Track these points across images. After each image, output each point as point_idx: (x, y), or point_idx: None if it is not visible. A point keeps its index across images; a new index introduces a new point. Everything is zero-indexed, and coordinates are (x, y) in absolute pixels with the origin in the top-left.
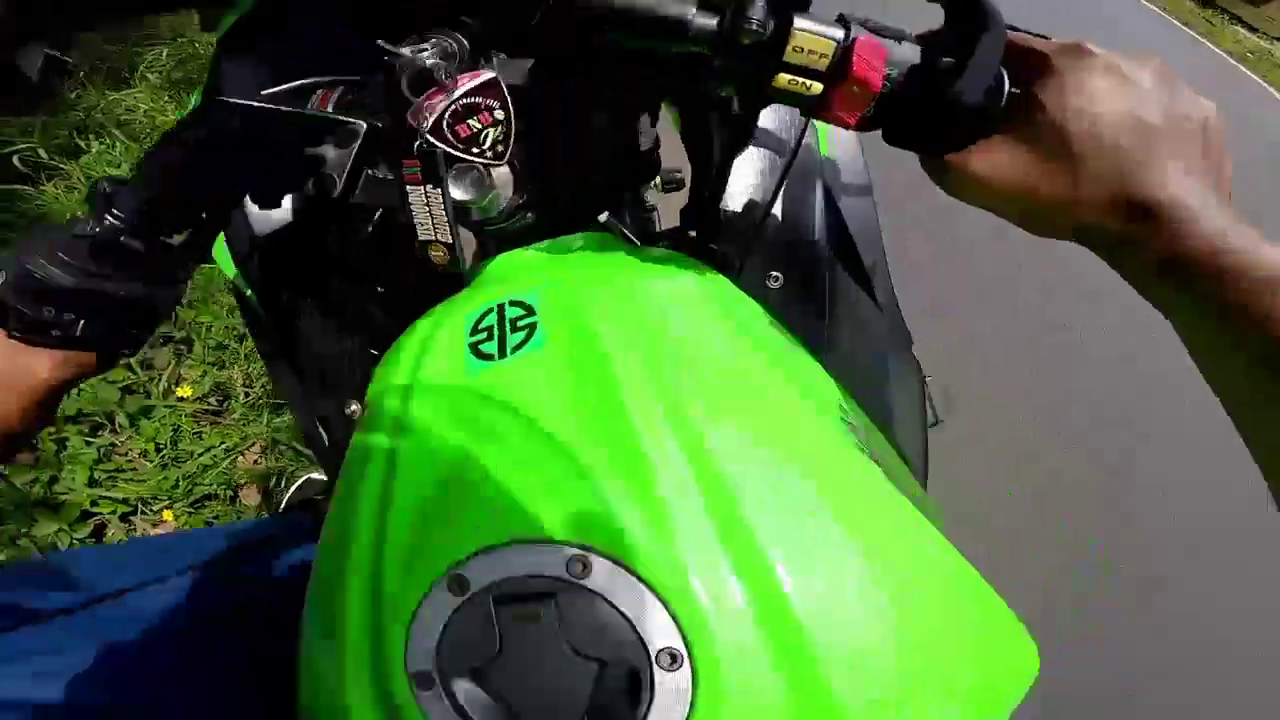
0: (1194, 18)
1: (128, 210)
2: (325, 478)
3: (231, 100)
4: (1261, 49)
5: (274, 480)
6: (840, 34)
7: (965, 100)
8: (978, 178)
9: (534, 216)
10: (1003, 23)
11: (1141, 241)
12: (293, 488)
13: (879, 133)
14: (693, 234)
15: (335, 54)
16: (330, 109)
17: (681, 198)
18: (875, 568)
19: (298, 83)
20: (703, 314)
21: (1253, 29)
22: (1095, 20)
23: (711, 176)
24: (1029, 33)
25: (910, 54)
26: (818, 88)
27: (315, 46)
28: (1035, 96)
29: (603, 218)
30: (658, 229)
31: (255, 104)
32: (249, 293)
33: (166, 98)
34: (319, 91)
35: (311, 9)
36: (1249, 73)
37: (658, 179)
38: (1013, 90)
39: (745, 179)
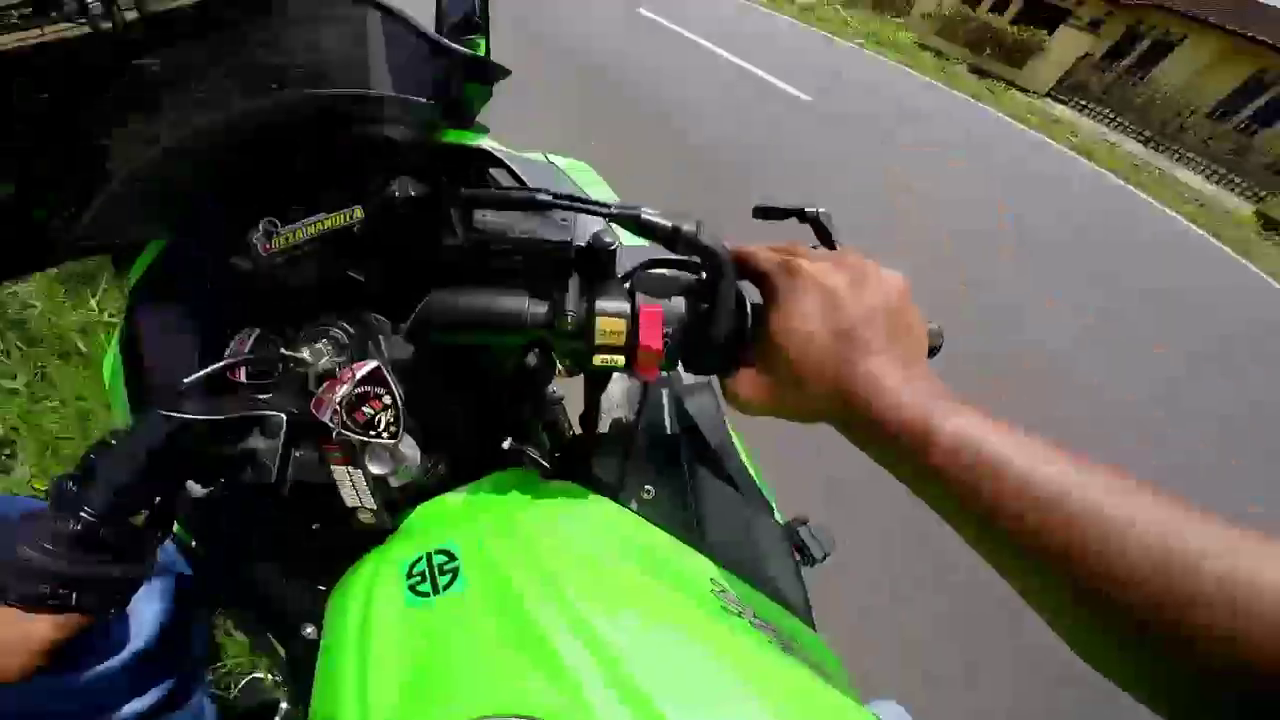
0: (979, 89)
1: (98, 506)
2: (263, 675)
3: (171, 415)
4: (1036, 107)
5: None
6: (626, 307)
7: (717, 338)
8: (745, 399)
9: (445, 466)
10: (733, 269)
11: (848, 420)
12: (242, 683)
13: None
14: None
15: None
16: (243, 378)
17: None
18: (752, 710)
19: (212, 367)
20: (591, 537)
21: (1024, 90)
22: (898, 109)
23: (586, 411)
24: (781, 209)
25: (678, 307)
26: (621, 360)
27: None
28: (765, 321)
29: (507, 444)
30: (566, 422)
31: (191, 417)
32: (193, 544)
33: (63, 293)
34: (236, 368)
35: (208, 286)
36: (1033, 131)
37: (551, 388)
38: (755, 304)
39: (614, 399)
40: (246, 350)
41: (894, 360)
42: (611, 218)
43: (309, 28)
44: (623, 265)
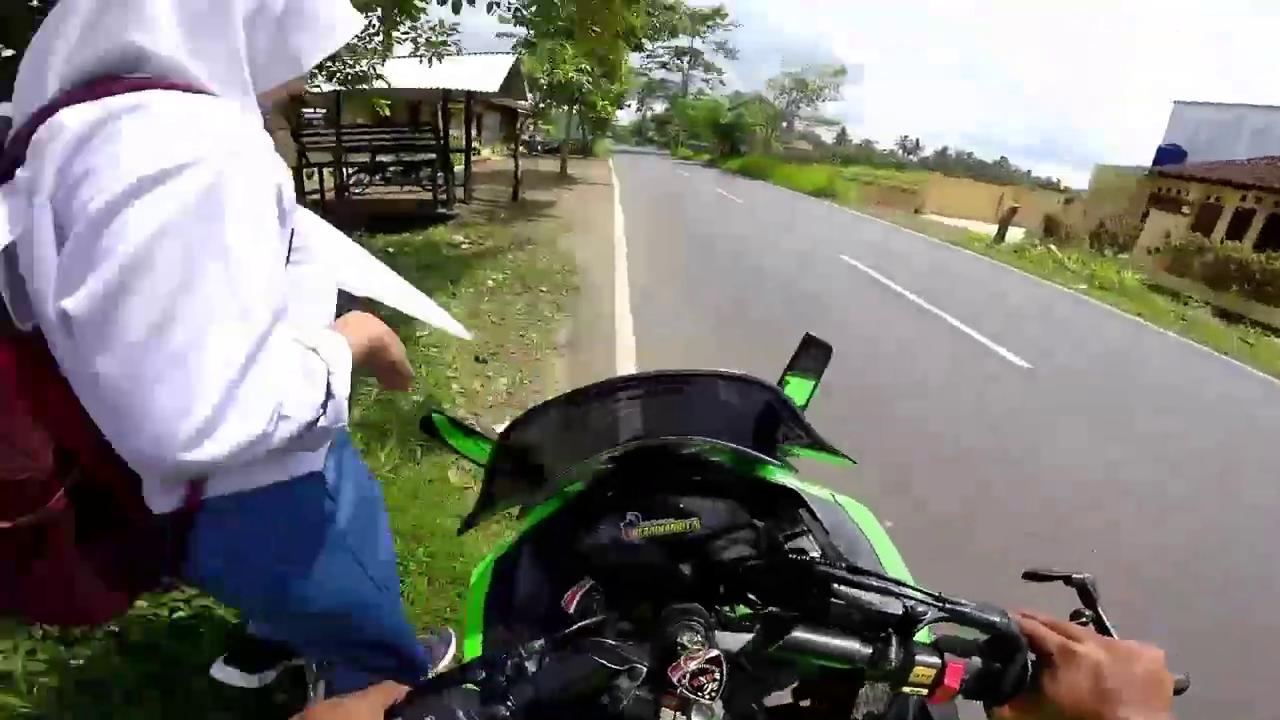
0: (1229, 338)
1: (520, 702)
2: None
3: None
4: None
5: None
6: (938, 661)
7: (1003, 691)
8: None
9: None
10: (1026, 647)
11: None
12: None
13: None
14: None
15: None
16: (574, 607)
17: None
18: None
19: (585, 622)
20: None
21: None
22: (1136, 377)
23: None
24: (1050, 575)
25: (976, 664)
26: (924, 692)
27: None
28: (1040, 679)
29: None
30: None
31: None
32: None
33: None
34: (573, 592)
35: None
36: None
37: None
38: (1033, 661)
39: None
40: (579, 597)
41: (1143, 711)
42: (943, 612)
43: (712, 402)
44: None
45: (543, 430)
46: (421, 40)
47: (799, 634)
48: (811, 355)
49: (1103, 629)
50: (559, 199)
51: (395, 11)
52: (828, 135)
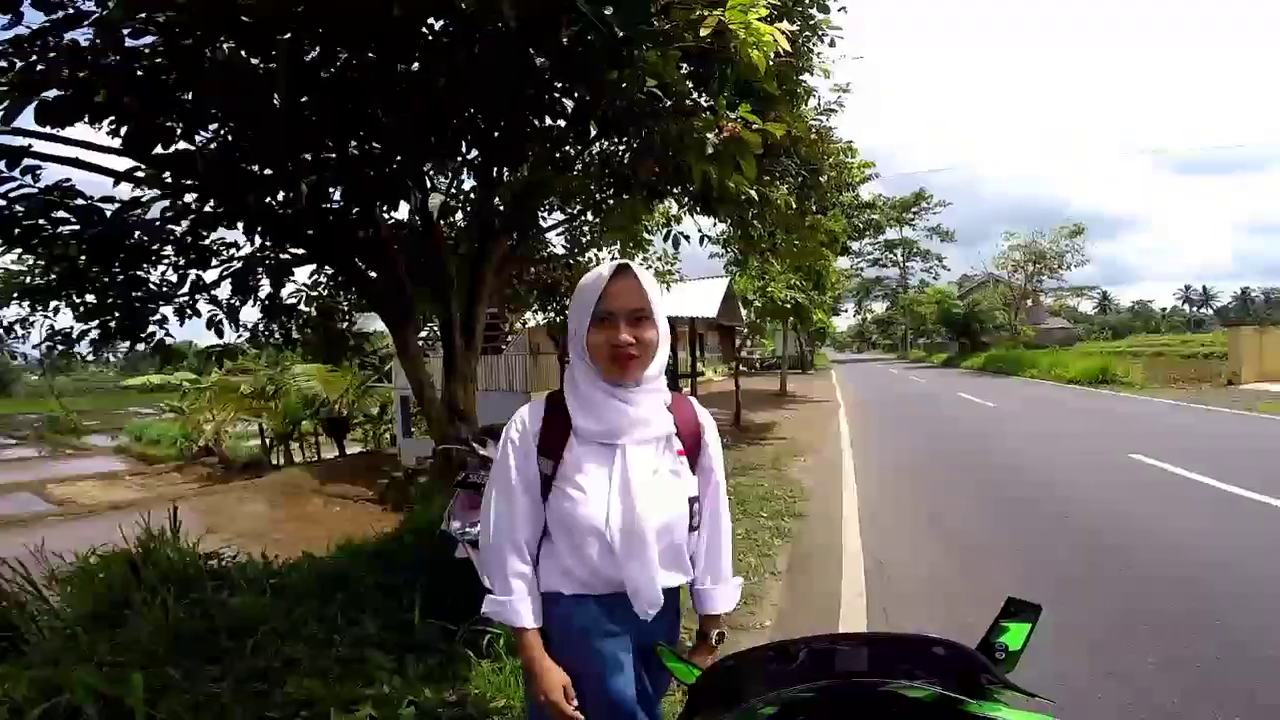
0: None
1: None
2: None
3: None
4: None
5: None
6: None
7: None
8: None
9: None
10: None
11: None
12: None
13: None
14: None
15: None
16: None
17: None
18: None
19: None
20: None
21: None
22: None
23: None
24: None
25: None
26: None
27: None
28: None
29: None
30: None
31: None
32: None
33: None
34: None
35: None
36: None
37: None
38: None
39: None
40: None
41: None
42: None
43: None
44: None
45: (744, 667)
46: (652, 271)
47: None
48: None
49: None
50: (780, 420)
51: (631, 245)
52: (1088, 305)
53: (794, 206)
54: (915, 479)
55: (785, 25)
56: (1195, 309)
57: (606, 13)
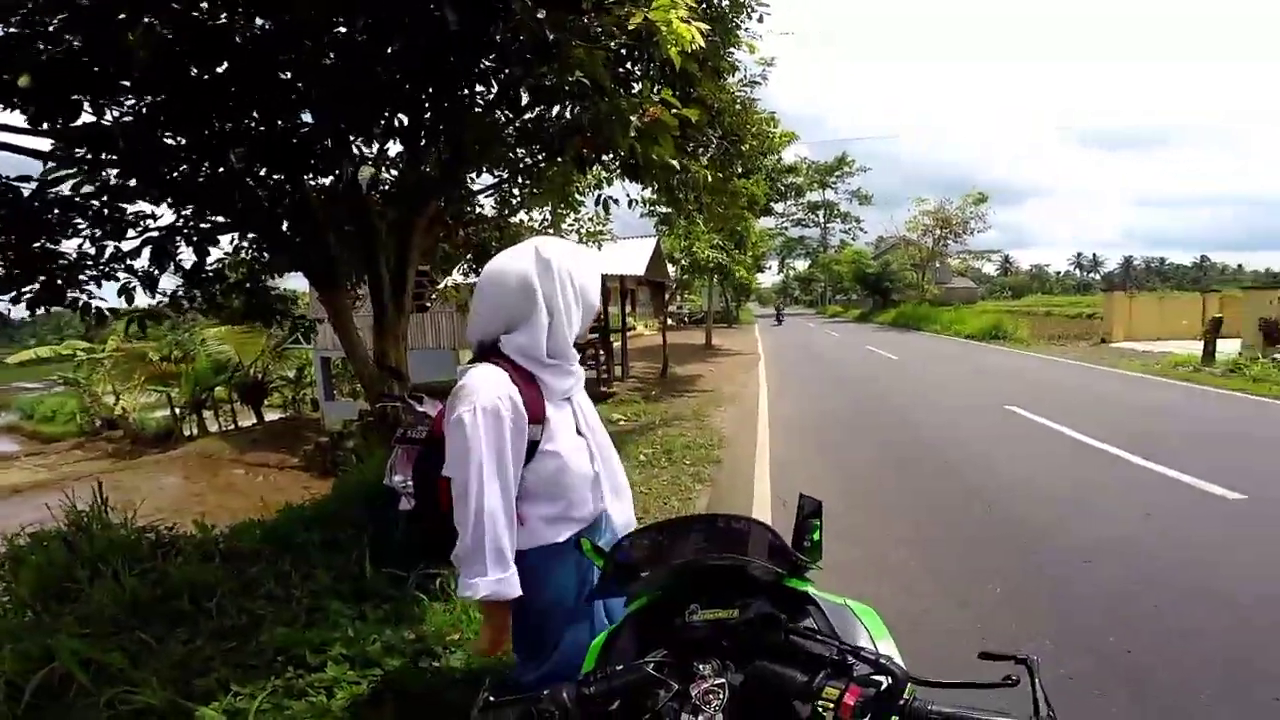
0: None
1: (600, 690)
2: None
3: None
4: None
5: None
6: (843, 685)
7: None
8: None
9: None
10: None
11: None
12: None
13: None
14: None
15: None
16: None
17: None
18: None
19: (647, 659)
20: None
21: None
22: None
23: None
24: (1001, 655)
25: (869, 692)
26: (831, 706)
27: None
28: None
29: None
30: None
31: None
32: None
33: None
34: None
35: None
36: None
37: None
38: None
39: None
40: (653, 662)
41: None
42: (857, 659)
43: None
44: None
45: (636, 549)
46: (583, 231)
47: (762, 662)
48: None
49: (1036, 703)
50: (704, 373)
51: (563, 206)
52: (990, 267)
53: (714, 177)
54: (820, 426)
55: (702, 25)
56: (1085, 274)
57: (540, 15)
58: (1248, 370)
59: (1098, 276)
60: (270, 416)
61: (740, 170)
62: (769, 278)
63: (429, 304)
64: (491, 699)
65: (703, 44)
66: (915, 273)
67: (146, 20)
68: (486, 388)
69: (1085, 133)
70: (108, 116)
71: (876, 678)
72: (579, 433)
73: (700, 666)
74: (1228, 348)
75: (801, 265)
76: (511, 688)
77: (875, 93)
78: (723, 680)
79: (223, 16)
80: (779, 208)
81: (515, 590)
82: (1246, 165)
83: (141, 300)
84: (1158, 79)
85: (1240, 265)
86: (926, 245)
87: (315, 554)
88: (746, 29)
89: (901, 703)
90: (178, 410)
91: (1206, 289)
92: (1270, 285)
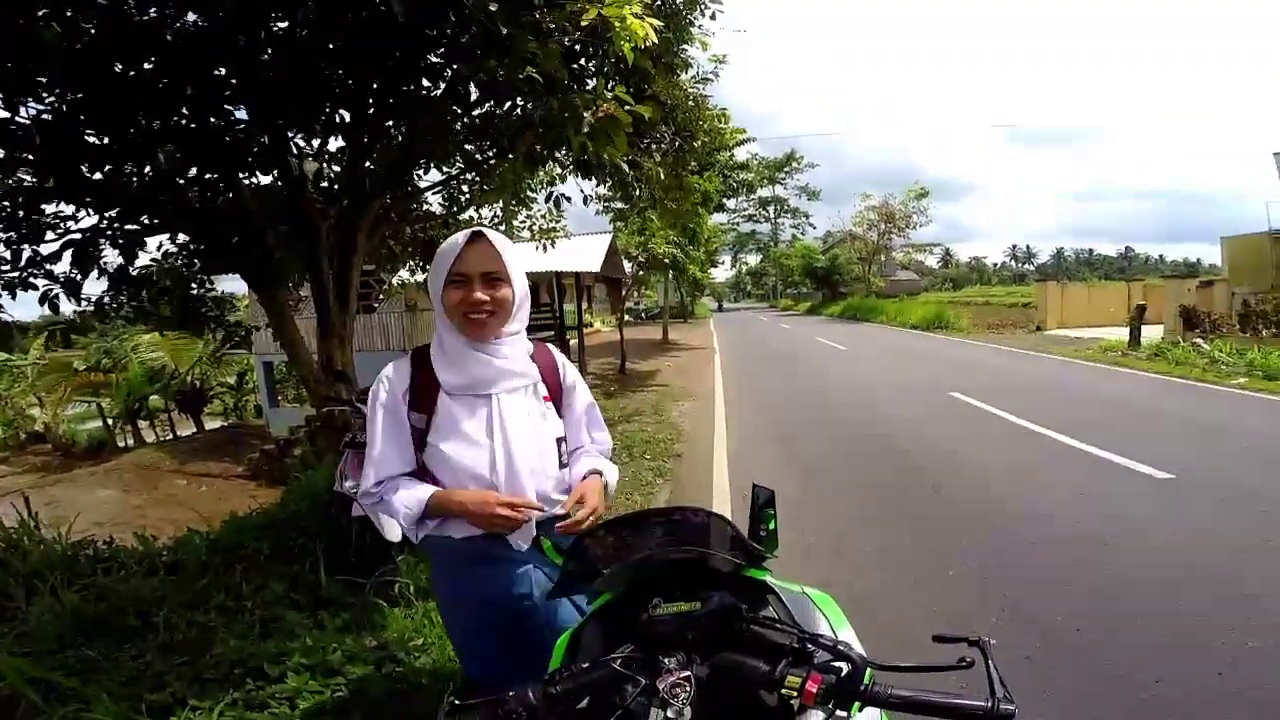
0: None
1: (565, 689)
2: None
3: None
4: None
5: None
6: (804, 672)
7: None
8: None
9: None
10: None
11: None
12: None
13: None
14: None
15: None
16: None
17: None
18: None
19: (613, 655)
20: None
21: None
22: None
23: None
24: (956, 638)
25: (830, 679)
26: (795, 694)
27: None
28: None
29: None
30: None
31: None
32: None
33: None
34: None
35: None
36: None
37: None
38: None
39: None
40: (620, 658)
41: None
42: (818, 647)
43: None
44: None
45: (597, 546)
46: (536, 229)
47: (726, 652)
48: (765, 495)
49: (991, 684)
50: (662, 368)
51: (514, 202)
52: (932, 260)
53: (667, 174)
54: (774, 417)
55: (655, 21)
56: (1020, 265)
57: (492, 9)
58: (1170, 354)
59: (1032, 267)
60: (211, 425)
61: (694, 167)
62: (722, 273)
63: (376, 304)
64: (456, 702)
65: (656, 40)
66: (862, 266)
67: (69, 14)
68: (384, 371)
69: (1019, 131)
70: (21, 114)
71: (837, 664)
72: (493, 431)
73: (666, 660)
74: (1152, 333)
75: (753, 260)
76: (478, 689)
77: (822, 91)
78: (689, 673)
79: (151, 11)
80: (731, 203)
81: (437, 501)
82: (1169, 162)
83: (66, 309)
84: (1088, 80)
85: (1161, 256)
86: (872, 240)
87: (267, 564)
88: (700, 26)
89: (862, 687)
90: (110, 421)
91: (1131, 278)
92: (1189, 274)
